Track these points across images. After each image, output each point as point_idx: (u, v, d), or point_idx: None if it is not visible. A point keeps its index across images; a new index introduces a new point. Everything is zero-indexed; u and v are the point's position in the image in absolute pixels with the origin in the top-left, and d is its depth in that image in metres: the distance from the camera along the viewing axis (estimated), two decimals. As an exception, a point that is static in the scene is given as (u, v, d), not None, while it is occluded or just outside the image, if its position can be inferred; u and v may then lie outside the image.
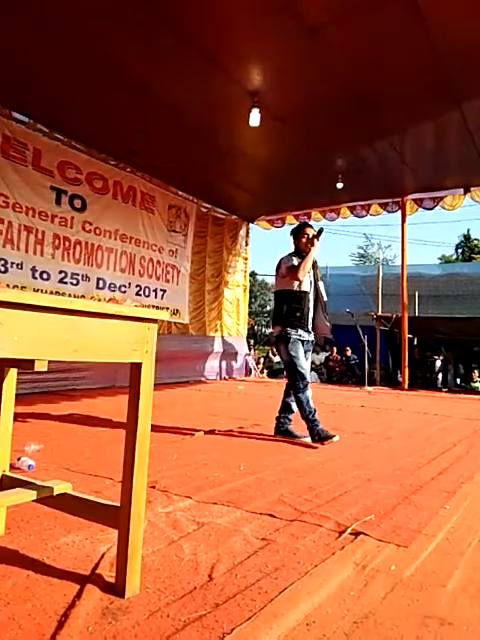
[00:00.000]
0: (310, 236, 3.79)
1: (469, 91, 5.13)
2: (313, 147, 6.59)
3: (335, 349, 12.71)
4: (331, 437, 3.51)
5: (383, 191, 8.36)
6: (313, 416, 3.57)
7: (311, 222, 9.54)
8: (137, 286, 7.78)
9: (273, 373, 12.31)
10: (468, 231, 26.90)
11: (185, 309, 8.86)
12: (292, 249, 3.89)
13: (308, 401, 3.62)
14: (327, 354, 13.06)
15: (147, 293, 7.98)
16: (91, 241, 6.98)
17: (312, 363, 13.37)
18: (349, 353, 12.05)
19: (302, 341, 3.72)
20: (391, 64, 4.71)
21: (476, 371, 10.35)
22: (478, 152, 6.55)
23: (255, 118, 5.40)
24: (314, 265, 3.83)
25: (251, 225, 10.63)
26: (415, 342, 11.04)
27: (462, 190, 7.94)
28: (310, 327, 3.77)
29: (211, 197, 9.09)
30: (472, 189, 7.87)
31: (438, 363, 10.80)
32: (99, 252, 7.12)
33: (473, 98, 5.27)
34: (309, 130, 6.12)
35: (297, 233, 3.89)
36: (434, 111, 5.61)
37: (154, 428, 3.83)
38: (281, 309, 3.75)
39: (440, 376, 10.67)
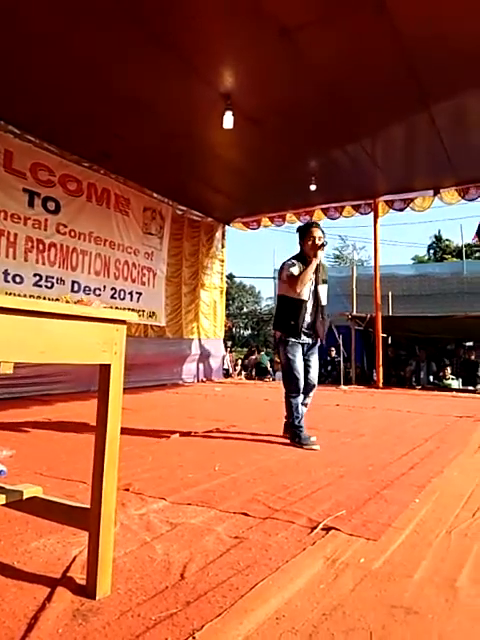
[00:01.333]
0: (316, 238, 3.66)
1: (438, 93, 5.25)
2: (287, 149, 6.65)
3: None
4: (312, 446, 3.41)
5: (355, 193, 8.49)
6: (299, 422, 3.57)
7: (285, 224, 9.65)
8: (112, 289, 7.73)
9: (260, 372, 12.42)
10: (439, 232, 27.45)
11: (161, 312, 8.83)
12: (298, 250, 3.78)
13: (297, 406, 3.61)
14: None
15: (122, 296, 7.93)
16: (65, 244, 6.91)
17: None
18: (334, 354, 12.16)
19: (302, 344, 3.70)
20: (362, 67, 4.79)
21: (448, 368, 10.57)
22: (447, 154, 6.71)
23: (229, 121, 5.43)
24: (317, 269, 3.69)
25: (227, 227, 10.66)
26: (389, 341, 11.22)
27: (431, 192, 8.11)
28: (308, 331, 3.70)
29: (187, 199, 9.09)
30: (441, 191, 8.05)
31: (411, 362, 11.00)
32: (74, 255, 7.05)
33: (441, 100, 5.41)
34: (283, 132, 6.18)
35: (304, 233, 3.74)
36: (404, 113, 5.73)
37: (130, 431, 3.85)
38: (280, 314, 3.75)
39: (414, 374, 10.87)
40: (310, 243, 3.66)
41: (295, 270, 3.61)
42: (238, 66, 4.93)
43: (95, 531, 1.31)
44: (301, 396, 3.66)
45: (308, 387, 3.77)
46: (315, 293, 3.73)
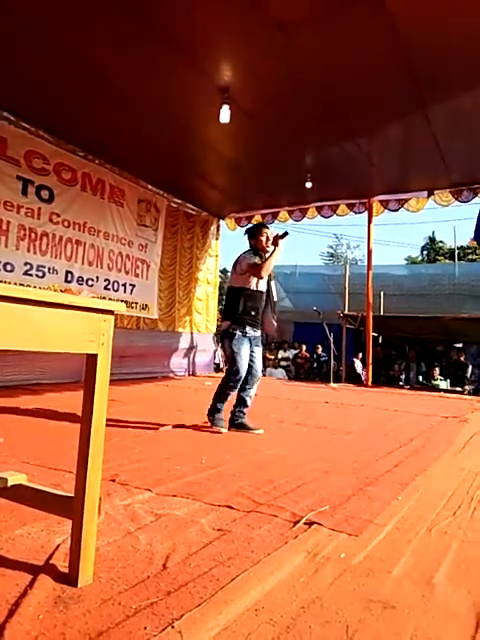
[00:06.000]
0: (269, 236, 3.87)
1: (434, 94, 5.26)
2: (282, 145, 6.65)
3: (304, 347, 12.90)
4: (220, 429, 3.72)
5: (350, 192, 8.50)
6: (221, 406, 3.81)
7: (276, 222, 9.66)
8: (106, 280, 7.69)
9: None
10: (433, 233, 27.55)
11: (154, 304, 8.81)
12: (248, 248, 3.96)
13: (227, 397, 3.83)
14: (296, 351, 13.24)
15: (116, 287, 7.90)
16: (58, 233, 6.86)
17: (282, 360, 13.59)
18: (320, 351, 12.23)
19: (249, 338, 3.83)
20: (360, 65, 4.79)
21: (437, 369, 10.65)
22: (441, 155, 6.73)
23: (225, 114, 5.41)
24: None
25: (222, 222, 10.63)
26: (380, 340, 11.29)
27: (426, 193, 8.14)
28: (257, 322, 3.88)
29: (181, 192, 9.06)
30: (435, 192, 8.09)
31: (401, 361, 11.07)
32: (67, 244, 7.00)
33: (438, 101, 5.42)
34: (279, 128, 6.18)
35: (254, 233, 3.95)
36: (401, 113, 5.74)
37: (119, 422, 3.86)
38: (236, 306, 3.81)
39: (403, 374, 10.95)
40: (264, 238, 3.87)
41: (257, 259, 3.79)
42: (235, 60, 4.92)
43: (78, 520, 1.32)
44: (236, 390, 3.84)
45: (253, 379, 3.92)
46: (268, 286, 3.94)
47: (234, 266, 3.91)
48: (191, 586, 1.35)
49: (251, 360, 3.88)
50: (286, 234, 3.87)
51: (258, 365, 3.95)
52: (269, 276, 3.92)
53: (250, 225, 4.21)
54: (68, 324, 1.20)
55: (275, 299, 4.02)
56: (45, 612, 1.19)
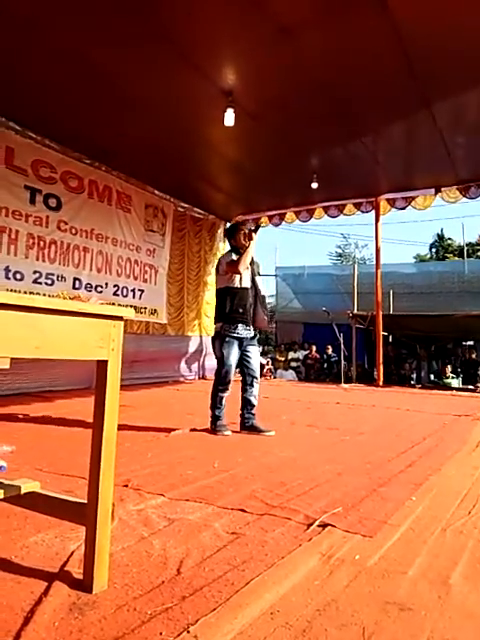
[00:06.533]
0: (245, 230, 4.01)
1: (439, 91, 5.23)
2: (287, 146, 6.64)
3: (314, 348, 12.86)
4: (223, 432, 3.76)
5: (357, 191, 8.46)
6: (219, 412, 3.84)
7: (283, 223, 9.66)
8: (114, 286, 7.73)
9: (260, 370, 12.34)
10: (442, 231, 27.36)
11: (163, 309, 8.83)
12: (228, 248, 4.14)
13: (222, 400, 3.87)
14: (306, 352, 13.20)
15: (125, 293, 7.94)
16: (66, 241, 6.91)
17: (292, 361, 13.56)
18: (330, 351, 12.18)
19: (240, 339, 3.87)
20: (363, 65, 4.78)
21: (449, 367, 10.57)
22: (448, 152, 6.69)
23: (230, 118, 5.42)
24: (251, 261, 3.99)
25: (228, 225, 10.65)
26: (390, 340, 11.22)
27: (433, 190, 8.09)
28: (251, 322, 3.92)
29: (188, 197, 9.08)
30: (442, 189, 8.03)
31: (411, 360, 11.00)
32: (75, 252, 7.05)
33: (442, 98, 5.39)
34: (283, 129, 6.17)
35: (233, 232, 4.10)
36: (406, 111, 5.71)
37: (130, 427, 3.86)
38: (224, 306, 3.86)
39: (414, 372, 10.88)
40: (242, 234, 3.99)
41: (234, 257, 3.92)
42: (239, 63, 4.92)
43: (92, 526, 1.33)
44: (229, 391, 3.90)
45: (250, 378, 3.96)
46: (253, 282, 4.00)
47: (217, 269, 4.05)
48: (206, 590, 1.35)
49: (246, 360, 3.94)
50: (258, 228, 4.21)
51: (254, 365, 3.99)
52: (254, 272, 4.01)
53: (228, 226, 4.34)
54: (78, 331, 1.20)
55: (262, 293, 4.10)
56: (60, 619, 1.20)
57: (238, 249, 3.99)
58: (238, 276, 3.87)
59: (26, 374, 6.17)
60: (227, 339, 3.82)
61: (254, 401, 3.94)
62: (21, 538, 1.67)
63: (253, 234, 3.95)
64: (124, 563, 1.51)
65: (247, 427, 3.86)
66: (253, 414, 3.91)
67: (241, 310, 3.85)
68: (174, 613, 1.24)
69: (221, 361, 3.85)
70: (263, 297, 4.10)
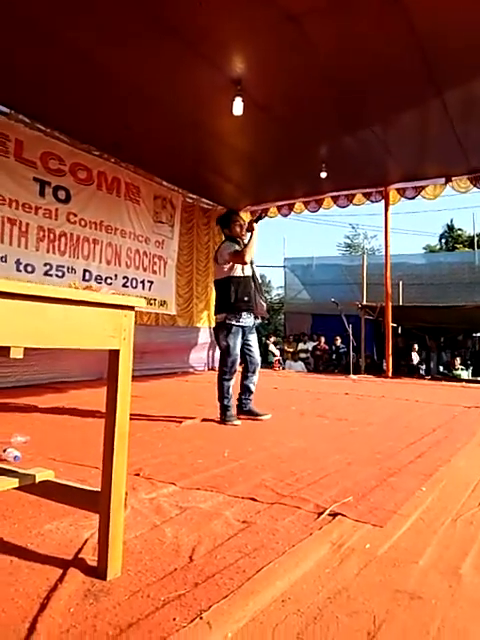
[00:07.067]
0: (242, 223, 4.03)
1: (450, 79, 5.16)
2: (296, 136, 6.60)
3: (323, 339, 12.85)
4: (233, 422, 3.78)
5: (366, 180, 8.40)
6: (228, 402, 3.86)
7: (292, 214, 9.61)
8: (124, 277, 7.76)
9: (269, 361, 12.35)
10: (451, 221, 27.08)
11: (172, 300, 8.86)
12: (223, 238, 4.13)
13: (229, 389, 3.90)
14: (314, 343, 13.20)
15: (134, 284, 7.96)
16: (76, 233, 6.93)
17: (301, 352, 13.56)
18: (339, 342, 12.16)
19: (244, 328, 3.90)
20: (373, 52, 4.72)
21: (458, 358, 10.51)
22: (459, 141, 6.61)
23: (238, 107, 5.38)
24: None
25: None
26: (399, 331, 11.17)
27: (443, 179, 8.00)
28: (251, 307, 3.95)
29: (196, 187, 9.07)
30: (453, 179, 7.94)
31: (421, 351, 10.94)
32: (85, 244, 7.08)
33: (453, 86, 5.32)
34: (292, 119, 6.13)
35: (227, 221, 4.06)
36: (416, 100, 5.64)
37: (141, 417, 3.90)
38: (228, 296, 3.85)
39: (423, 364, 10.83)
40: (238, 225, 4.02)
41: (237, 247, 3.90)
42: (246, 52, 4.88)
43: (105, 514, 1.35)
44: (234, 380, 3.93)
45: (253, 366, 4.02)
46: (252, 270, 4.01)
47: (215, 259, 4.00)
48: (218, 578, 1.37)
49: (248, 348, 3.99)
50: (260, 217, 4.23)
51: (255, 352, 4.04)
52: (251, 261, 4.02)
53: (220, 215, 4.29)
54: (90, 321, 1.22)
55: (260, 281, 4.13)
56: (76, 605, 1.22)
57: (234, 239, 3.98)
58: (239, 265, 3.88)
59: (38, 365, 6.23)
60: (233, 329, 3.84)
61: (253, 388, 4.04)
62: (36, 526, 1.70)
63: (254, 225, 3.94)
64: (137, 551, 1.53)
65: (244, 411, 3.97)
66: (251, 400, 4.03)
67: (246, 298, 3.87)
68: (187, 599, 1.26)
69: (227, 351, 3.87)
70: (260, 284, 4.13)
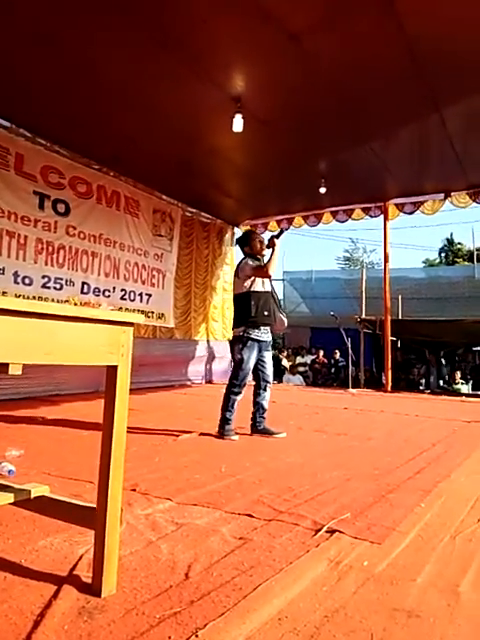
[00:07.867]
0: (262, 240, 4.07)
1: (448, 95, 5.21)
2: (296, 151, 6.65)
3: (321, 352, 12.83)
4: (231, 437, 3.76)
5: (365, 195, 8.45)
6: (230, 415, 3.82)
7: (291, 228, 9.68)
8: (122, 290, 7.76)
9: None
10: (451, 235, 27.24)
11: (170, 313, 8.86)
12: (241, 256, 4.12)
13: (234, 403, 3.87)
14: (313, 357, 13.18)
15: (132, 297, 7.97)
16: (75, 245, 6.95)
17: (299, 365, 13.54)
18: (338, 356, 12.15)
19: (260, 343, 3.89)
20: (372, 70, 4.77)
21: (458, 372, 10.50)
22: (457, 157, 6.67)
23: (238, 124, 5.44)
24: None
25: (236, 229, 10.66)
26: (399, 345, 11.17)
27: (442, 195, 8.06)
28: (270, 322, 3.96)
29: (196, 202, 9.12)
30: (452, 194, 8.00)
31: (420, 366, 10.93)
32: (83, 256, 7.09)
33: (452, 102, 5.36)
34: (292, 134, 6.18)
35: (248, 240, 4.11)
36: (415, 116, 5.69)
37: (138, 431, 3.88)
38: (248, 310, 3.85)
39: (423, 378, 10.81)
40: (258, 241, 4.05)
41: (260, 262, 3.96)
42: (247, 70, 4.94)
43: (101, 530, 1.34)
44: (242, 395, 3.91)
45: (264, 383, 4.00)
46: (271, 286, 4.07)
47: (236, 274, 4.03)
48: (214, 595, 1.35)
49: (262, 365, 3.96)
50: (282, 232, 4.23)
51: (268, 370, 4.02)
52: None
53: (240, 235, 4.35)
54: (88, 337, 1.22)
55: (278, 297, 4.20)
56: (70, 622, 1.21)
57: (254, 256, 4.01)
58: (260, 280, 3.90)
59: (34, 378, 6.20)
60: (249, 343, 3.82)
61: (266, 405, 3.99)
62: (30, 542, 1.68)
63: (276, 240, 3.96)
64: (132, 567, 1.52)
65: (259, 430, 3.90)
66: (264, 417, 3.96)
67: (266, 313, 3.89)
68: (182, 617, 1.24)
69: (240, 364, 3.84)
70: (278, 299, 4.18)
